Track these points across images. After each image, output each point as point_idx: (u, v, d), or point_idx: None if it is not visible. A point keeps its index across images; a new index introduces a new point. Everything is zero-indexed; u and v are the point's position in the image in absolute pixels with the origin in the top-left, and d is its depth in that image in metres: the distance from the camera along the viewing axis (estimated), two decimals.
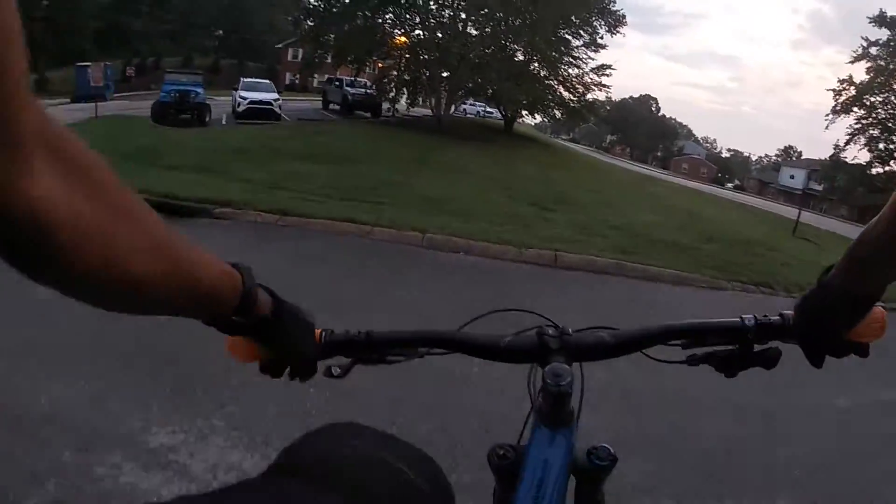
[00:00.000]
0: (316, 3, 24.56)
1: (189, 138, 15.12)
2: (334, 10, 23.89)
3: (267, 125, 19.84)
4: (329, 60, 27.50)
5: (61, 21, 43.74)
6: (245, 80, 26.53)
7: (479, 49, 23.36)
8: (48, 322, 3.62)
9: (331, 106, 30.11)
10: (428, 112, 26.54)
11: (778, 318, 0.85)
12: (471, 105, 40.13)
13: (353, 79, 28.87)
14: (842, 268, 0.75)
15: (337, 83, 29.67)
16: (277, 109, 23.40)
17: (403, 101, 26.84)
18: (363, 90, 27.90)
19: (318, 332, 0.89)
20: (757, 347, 0.86)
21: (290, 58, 53.87)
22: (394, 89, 25.39)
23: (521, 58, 24.79)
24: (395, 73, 25.26)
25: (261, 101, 23.27)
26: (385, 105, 26.21)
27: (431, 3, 24.02)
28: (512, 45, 24.40)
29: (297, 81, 49.82)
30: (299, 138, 15.76)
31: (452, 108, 27.77)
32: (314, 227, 7.37)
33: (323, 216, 7.60)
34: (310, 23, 25.80)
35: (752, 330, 0.85)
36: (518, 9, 22.65)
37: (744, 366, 0.87)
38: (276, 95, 24.62)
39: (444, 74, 24.12)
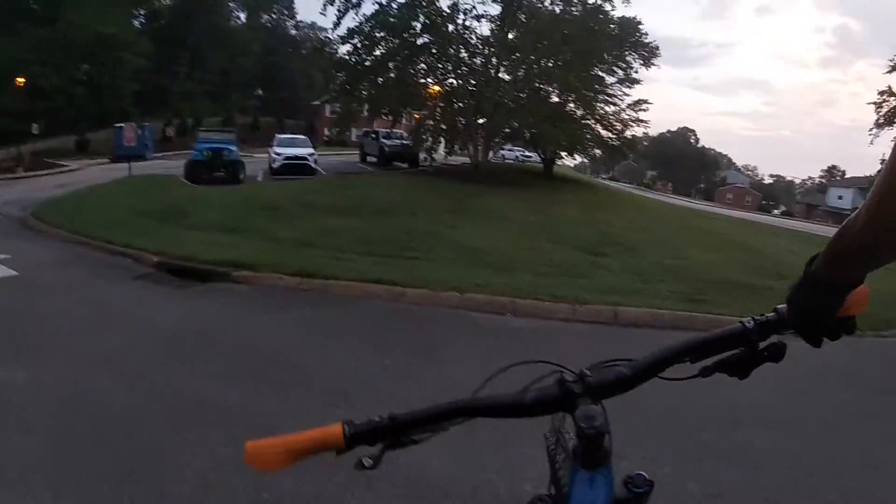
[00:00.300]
0: (347, 57, 24.48)
1: (219, 196, 14.81)
2: (366, 63, 23.82)
3: (301, 180, 19.49)
4: (365, 114, 27.41)
5: (102, 84, 45.01)
6: (280, 136, 26.58)
7: (514, 93, 22.92)
8: None
9: (368, 158, 29.95)
10: (466, 160, 26.10)
11: (774, 314, 0.91)
12: (509, 150, 39.68)
13: (388, 130, 28.64)
14: (824, 261, 0.83)
15: (373, 135, 29.52)
16: (313, 164, 23.15)
17: (441, 150, 26.48)
18: (399, 141, 27.66)
19: (340, 425, 0.85)
20: (761, 345, 0.91)
21: (327, 113, 54.47)
22: (430, 139, 25.04)
23: (556, 99, 24.27)
24: (430, 122, 24.93)
25: (296, 156, 23.15)
26: (422, 155, 25.87)
27: (462, 51, 23.80)
28: (546, 87, 23.93)
29: (334, 136, 50.42)
30: (333, 192, 15.28)
31: (490, 154, 27.27)
32: (340, 290, 6.70)
33: (350, 277, 6.91)
34: (342, 77, 25.78)
35: (754, 330, 0.91)
36: (549, 49, 22.23)
37: (754, 364, 0.91)
38: (311, 150, 24.47)
39: (480, 121, 23.70)
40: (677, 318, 6.08)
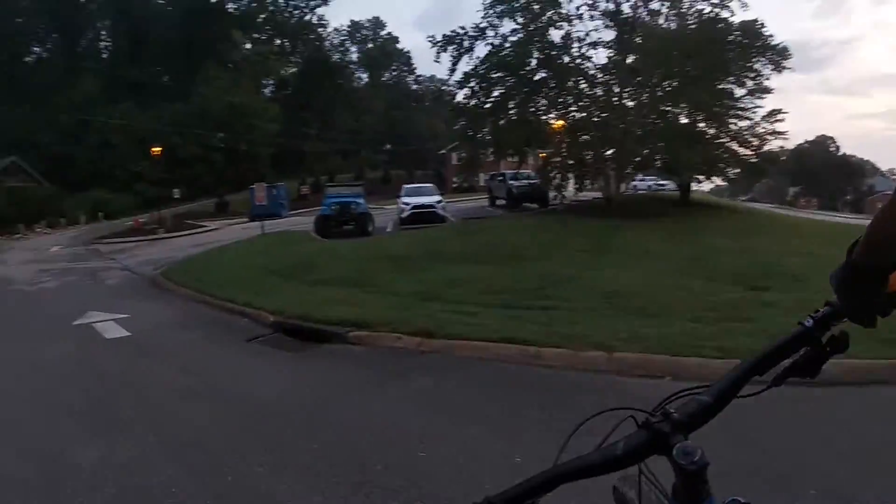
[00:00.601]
0: (465, 102, 24.43)
1: (346, 249, 14.81)
2: (486, 105, 23.64)
3: (429, 228, 19.33)
4: (490, 157, 27.21)
5: (238, 150, 48.13)
6: (406, 186, 26.95)
7: (640, 119, 21.76)
8: None
9: (497, 202, 29.53)
10: (597, 194, 25.09)
11: (827, 307, 0.95)
12: (640, 181, 37.71)
13: (516, 171, 28.14)
14: (864, 248, 0.89)
15: (500, 178, 29.23)
16: (441, 211, 23.14)
17: (570, 186, 25.61)
18: (527, 181, 27.06)
19: None
20: (823, 340, 0.93)
21: (454, 161, 55.24)
22: (558, 176, 24.26)
23: (686, 120, 22.73)
24: (557, 159, 24.16)
25: (423, 205, 23.27)
26: (552, 193, 25.12)
27: (582, 82, 23.05)
28: (673, 109, 22.50)
29: (462, 183, 50.91)
30: (460, 238, 14.85)
31: (622, 186, 26.06)
32: (465, 351, 5.98)
33: (476, 336, 6.16)
34: (463, 123, 25.80)
35: (814, 327, 0.93)
36: (672, 68, 20.91)
37: (822, 361, 0.93)
38: (438, 198, 24.57)
39: (609, 152, 22.70)
40: (881, 368, 4.71)
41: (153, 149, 41.41)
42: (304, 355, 6.77)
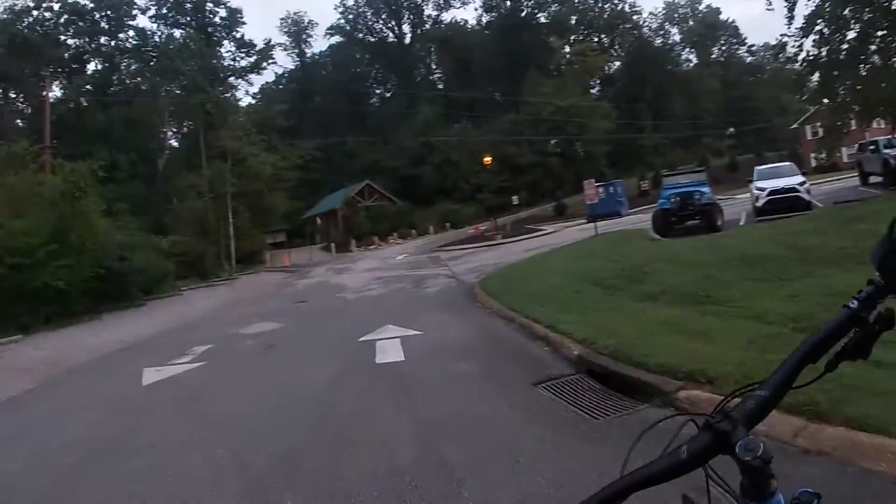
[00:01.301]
0: (814, 53, 19.19)
1: (688, 250, 11.93)
2: (840, 54, 18.28)
3: (792, 219, 14.93)
4: (853, 126, 21.30)
5: (574, 152, 47.68)
6: (759, 168, 22.22)
7: None
8: None
9: (870, 179, 22.77)
10: None
11: (871, 286, 0.96)
12: None
13: (889, 137, 21.25)
14: None
15: (871, 147, 21.93)
16: (806, 195, 18.43)
17: None
18: None
19: None
20: (871, 319, 0.93)
21: (808, 136, 47.69)
22: None
23: None
24: None
25: (782, 188, 18.69)
26: None
27: None
28: None
29: (823, 160, 43.07)
30: (837, 230, 10.57)
31: None
32: (882, 461, 3.02)
33: None
34: (814, 82, 20.55)
35: (860, 308, 0.94)
36: None
37: (871, 341, 0.94)
38: (800, 178, 19.66)
39: None
40: None
41: (484, 159, 43.71)
42: (605, 429, 4.30)
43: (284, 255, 43.86)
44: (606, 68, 69.49)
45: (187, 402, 7.16)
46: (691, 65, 79.44)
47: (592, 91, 65.02)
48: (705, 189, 19.03)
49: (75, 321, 20.31)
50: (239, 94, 75.36)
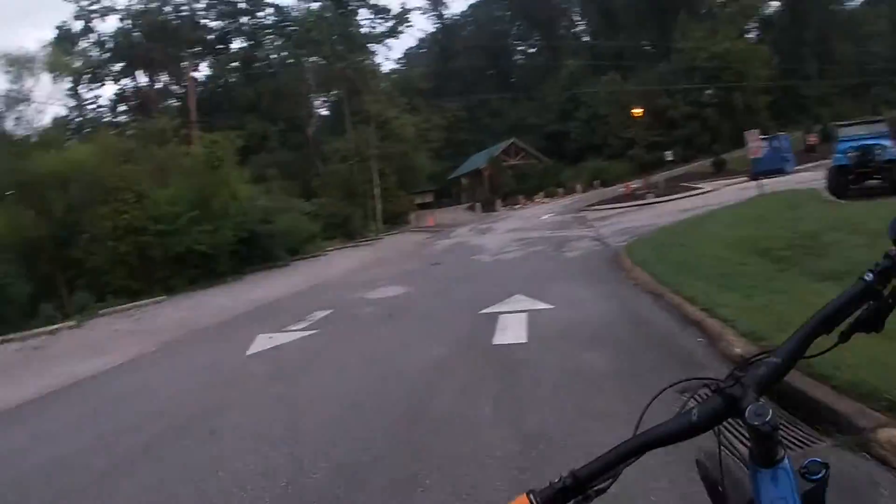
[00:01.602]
0: None
1: (874, 217, 9.44)
2: None
3: None
4: None
5: (732, 103, 44.78)
6: None
7: None
8: None
9: None
10: None
11: (886, 259, 0.96)
12: None
13: None
14: None
15: None
16: None
17: None
18: None
19: (524, 496, 0.87)
20: (885, 293, 0.94)
21: None
22: None
23: None
24: None
25: None
26: None
27: None
28: None
29: None
30: None
31: None
32: None
33: None
34: None
35: (874, 281, 0.95)
36: None
37: (886, 313, 0.95)
38: None
39: None
40: None
41: (634, 112, 42.29)
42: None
43: (429, 215, 44.92)
44: (763, 9, 64.22)
45: (276, 379, 6.93)
46: (859, 2, 71.44)
47: (749, 36, 60.62)
48: (887, 142, 16.34)
49: (219, 282, 21.20)
50: (379, 59, 77.06)
